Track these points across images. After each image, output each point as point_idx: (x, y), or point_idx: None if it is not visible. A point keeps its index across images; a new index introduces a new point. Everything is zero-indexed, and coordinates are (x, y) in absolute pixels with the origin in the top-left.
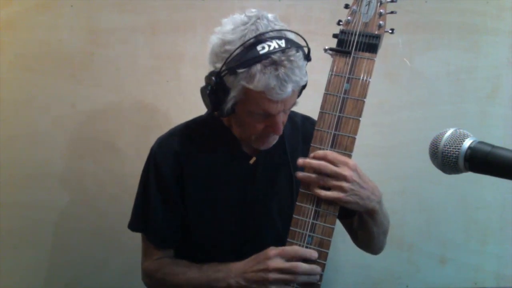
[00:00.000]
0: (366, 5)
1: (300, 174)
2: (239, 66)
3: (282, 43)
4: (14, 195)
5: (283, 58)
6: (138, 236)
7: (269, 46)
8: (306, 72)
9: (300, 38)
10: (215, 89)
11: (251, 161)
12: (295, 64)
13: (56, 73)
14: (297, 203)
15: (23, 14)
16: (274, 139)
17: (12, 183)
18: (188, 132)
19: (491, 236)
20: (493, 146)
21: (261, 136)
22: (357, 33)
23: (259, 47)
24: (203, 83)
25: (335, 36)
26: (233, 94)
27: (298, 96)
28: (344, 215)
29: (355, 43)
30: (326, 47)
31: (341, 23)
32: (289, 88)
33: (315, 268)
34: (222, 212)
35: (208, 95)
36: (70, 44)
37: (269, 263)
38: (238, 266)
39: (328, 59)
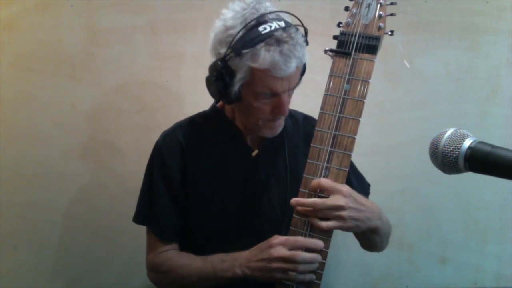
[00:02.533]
0: (366, 8)
1: (298, 208)
2: (243, 47)
3: (282, 23)
4: (14, 195)
5: (285, 35)
6: (138, 236)
7: (270, 26)
8: (306, 52)
9: (298, 22)
10: (221, 73)
11: (253, 154)
12: (296, 41)
13: (56, 73)
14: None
15: (23, 14)
16: (280, 125)
17: (12, 183)
18: (192, 126)
19: (491, 236)
20: (493, 146)
21: (268, 121)
22: (357, 35)
23: (260, 28)
24: (203, 83)
25: (335, 37)
26: (239, 76)
27: (300, 79)
28: None
29: (355, 45)
30: (326, 48)
31: (341, 25)
32: (293, 63)
33: (316, 256)
34: (224, 204)
35: (214, 81)
36: (70, 44)
37: (271, 252)
38: (242, 255)
39: (328, 59)
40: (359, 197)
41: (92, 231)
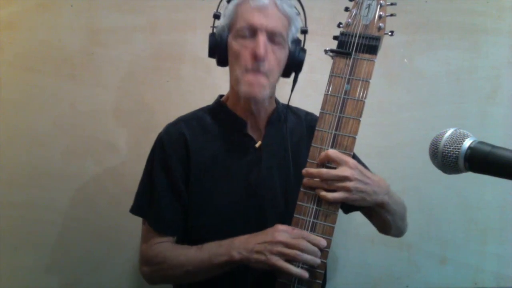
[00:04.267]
0: (366, 8)
1: (304, 180)
2: None
3: None
4: (14, 195)
5: None
6: (138, 236)
7: None
8: (298, 14)
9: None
10: (214, 24)
11: (257, 145)
12: None
13: (56, 73)
14: (298, 202)
15: (23, 14)
16: (259, 84)
17: (12, 183)
18: (195, 119)
19: (491, 236)
20: (493, 146)
21: (247, 72)
22: (357, 35)
23: None
24: (203, 83)
25: (335, 38)
26: (226, 18)
27: (287, 33)
28: (353, 207)
29: (355, 45)
30: (327, 49)
31: (341, 25)
32: None
33: (317, 250)
34: (226, 197)
35: (210, 36)
36: (70, 44)
37: (276, 235)
38: (241, 239)
39: (328, 59)
40: (365, 170)
41: (92, 231)
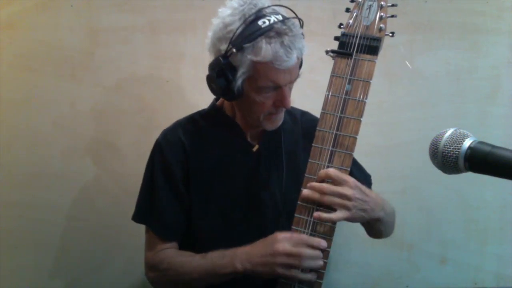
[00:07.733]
0: (367, 9)
1: (305, 192)
2: (244, 41)
3: (280, 17)
4: (14, 195)
5: (284, 27)
6: (138, 236)
7: (269, 20)
8: (305, 43)
9: (293, 15)
10: (223, 70)
11: (254, 149)
12: (296, 33)
13: (56, 73)
14: (298, 202)
15: (23, 14)
16: (281, 118)
17: (12, 183)
18: (192, 124)
19: (491, 236)
20: (493, 146)
21: (270, 114)
22: (358, 36)
23: (260, 22)
24: (203, 83)
25: (336, 38)
26: (241, 71)
27: (299, 72)
28: None
29: (356, 45)
30: (328, 49)
31: (342, 26)
32: (294, 54)
33: (319, 253)
34: (226, 202)
35: (216, 78)
36: (70, 44)
37: (276, 246)
38: (244, 250)
39: (328, 60)
40: (364, 188)
41: (92, 231)
